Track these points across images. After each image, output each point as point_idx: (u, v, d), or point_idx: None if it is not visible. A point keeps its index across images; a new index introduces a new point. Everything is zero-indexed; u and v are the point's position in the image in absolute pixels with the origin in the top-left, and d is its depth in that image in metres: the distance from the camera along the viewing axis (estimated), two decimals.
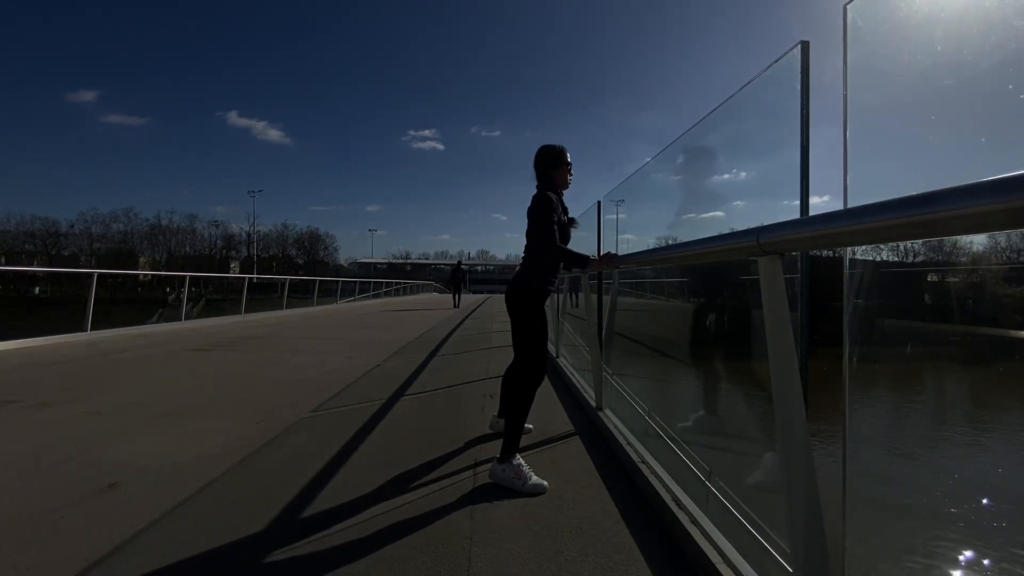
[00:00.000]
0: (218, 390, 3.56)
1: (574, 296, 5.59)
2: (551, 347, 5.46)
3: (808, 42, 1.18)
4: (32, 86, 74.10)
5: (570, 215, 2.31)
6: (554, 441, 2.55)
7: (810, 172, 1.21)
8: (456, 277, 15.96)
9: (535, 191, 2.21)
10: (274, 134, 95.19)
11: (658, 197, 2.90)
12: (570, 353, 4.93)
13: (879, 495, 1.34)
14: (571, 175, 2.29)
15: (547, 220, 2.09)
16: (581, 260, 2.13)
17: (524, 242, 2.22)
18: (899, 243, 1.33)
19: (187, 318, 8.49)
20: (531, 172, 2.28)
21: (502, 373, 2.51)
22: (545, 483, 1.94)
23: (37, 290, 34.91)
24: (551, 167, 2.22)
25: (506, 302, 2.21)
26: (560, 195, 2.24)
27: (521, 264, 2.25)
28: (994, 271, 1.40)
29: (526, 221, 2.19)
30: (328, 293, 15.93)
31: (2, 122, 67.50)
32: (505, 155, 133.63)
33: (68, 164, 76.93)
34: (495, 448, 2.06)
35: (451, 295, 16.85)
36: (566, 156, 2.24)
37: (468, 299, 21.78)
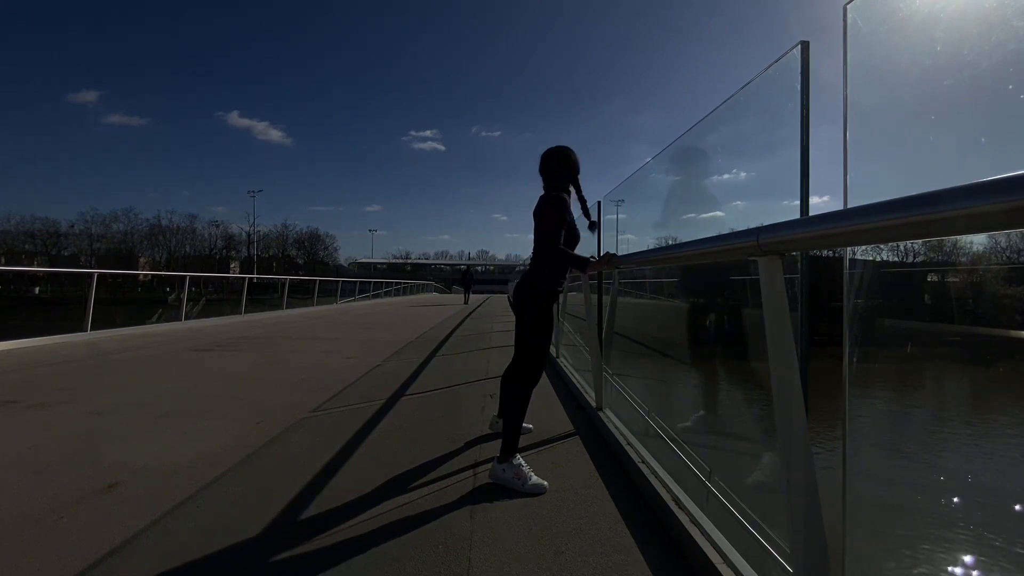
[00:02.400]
0: (218, 390, 3.56)
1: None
2: (551, 348, 5.46)
3: (808, 42, 1.19)
4: (35, 87, 74.34)
5: (591, 216, 2.31)
6: (554, 441, 2.55)
7: (810, 172, 1.21)
8: (466, 279, 21.36)
9: (541, 192, 2.21)
10: (274, 134, 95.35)
11: (658, 197, 2.90)
12: (570, 353, 4.93)
13: (879, 495, 1.34)
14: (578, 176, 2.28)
15: (550, 221, 2.09)
16: (581, 263, 2.14)
17: (524, 242, 2.24)
18: (899, 243, 1.33)
19: (187, 318, 8.49)
20: (532, 171, 2.29)
21: (502, 373, 2.51)
22: (545, 483, 1.94)
23: (37, 290, 34.93)
24: (564, 170, 2.23)
25: (514, 301, 2.21)
26: (570, 195, 2.24)
27: (530, 265, 2.25)
28: (994, 271, 1.40)
29: (526, 221, 2.20)
30: (328, 293, 15.93)
31: (4, 123, 67.49)
32: (506, 155, 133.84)
33: (69, 164, 77.03)
34: (495, 448, 2.06)
35: (459, 294, 23.02)
36: (577, 160, 2.25)
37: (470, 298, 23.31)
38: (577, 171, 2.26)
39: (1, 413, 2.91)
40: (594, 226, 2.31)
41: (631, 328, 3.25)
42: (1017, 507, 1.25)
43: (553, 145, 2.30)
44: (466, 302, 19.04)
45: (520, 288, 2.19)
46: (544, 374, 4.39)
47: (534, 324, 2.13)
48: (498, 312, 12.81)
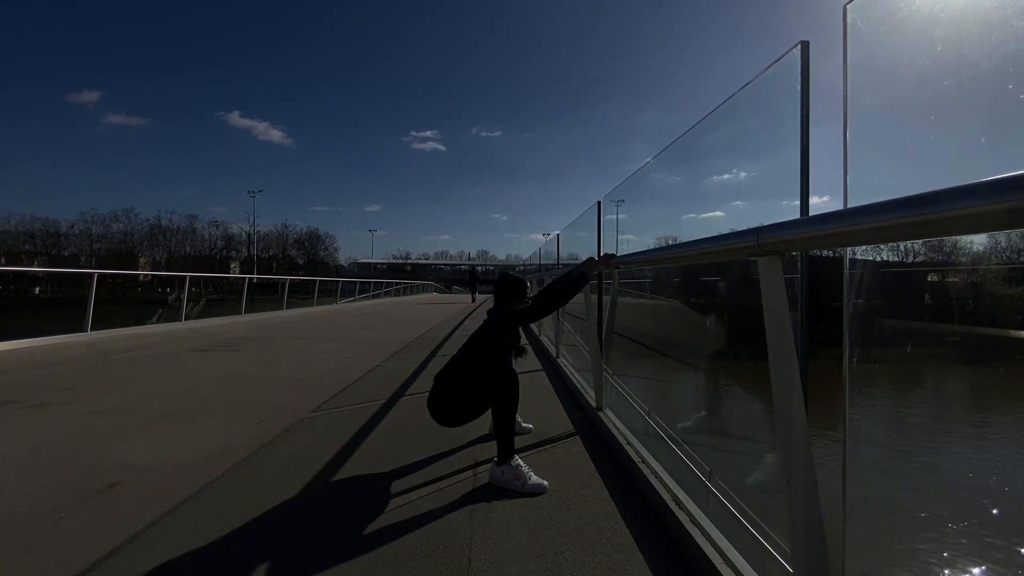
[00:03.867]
0: (218, 390, 3.56)
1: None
2: (551, 348, 5.46)
3: (808, 42, 1.18)
4: (35, 87, 74.13)
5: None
6: (554, 441, 2.55)
7: (810, 172, 1.21)
8: (472, 279, 23.90)
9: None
10: (275, 134, 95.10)
11: (658, 197, 2.90)
12: (570, 353, 4.93)
13: (879, 495, 1.34)
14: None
15: (533, 309, 2.22)
16: (579, 280, 2.23)
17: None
18: (899, 243, 1.33)
19: (187, 318, 8.49)
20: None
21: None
22: (545, 483, 1.94)
23: (37, 290, 34.90)
24: (511, 296, 2.29)
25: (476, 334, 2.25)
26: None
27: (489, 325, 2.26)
28: (994, 271, 1.40)
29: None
30: (328, 293, 15.93)
31: (4, 123, 67.45)
32: (506, 155, 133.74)
33: (69, 164, 76.87)
34: (495, 448, 2.06)
35: (458, 294, 27.78)
36: (526, 288, 2.33)
37: (467, 299, 24.13)
38: (516, 296, 2.31)
39: (1, 413, 2.91)
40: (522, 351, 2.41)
41: (631, 328, 3.25)
42: (1017, 507, 1.25)
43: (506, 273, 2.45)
44: (473, 300, 21.65)
45: (485, 328, 2.23)
46: (544, 374, 4.40)
47: (494, 377, 2.06)
48: None
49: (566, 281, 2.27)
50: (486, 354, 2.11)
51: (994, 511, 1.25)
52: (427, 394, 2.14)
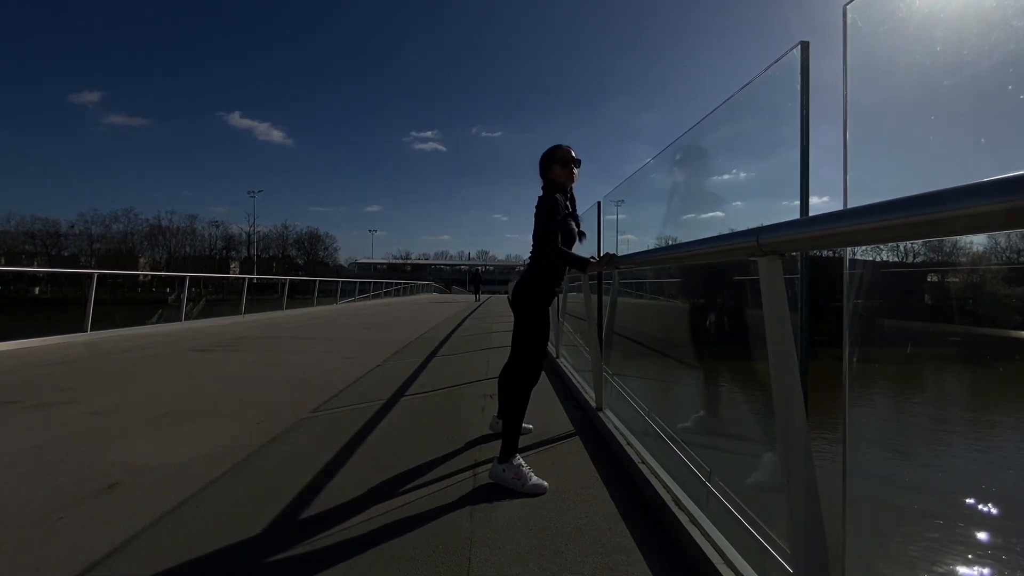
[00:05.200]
0: (218, 390, 3.56)
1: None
2: (551, 347, 5.46)
3: (808, 42, 1.18)
4: (36, 88, 74.17)
5: (578, 219, 2.30)
6: (554, 441, 2.55)
7: (810, 172, 1.21)
8: (475, 280, 27.23)
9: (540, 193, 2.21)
10: (275, 135, 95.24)
11: (658, 197, 2.90)
12: (570, 353, 4.93)
13: (879, 495, 1.34)
14: (576, 172, 2.26)
15: (543, 222, 2.10)
16: (581, 263, 2.15)
17: (524, 242, 2.25)
18: (899, 243, 1.33)
19: (187, 319, 8.49)
20: (532, 171, 2.30)
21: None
22: (545, 483, 1.94)
23: (37, 291, 34.90)
24: (551, 166, 2.22)
25: (512, 302, 2.21)
26: (567, 194, 2.24)
27: (528, 265, 2.26)
28: (994, 271, 1.40)
29: (526, 221, 2.21)
30: (328, 294, 15.94)
31: (5, 123, 67.45)
32: (506, 155, 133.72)
33: (69, 165, 76.87)
34: (495, 448, 2.07)
35: (458, 294, 34.07)
36: (566, 153, 2.23)
37: (470, 298, 25.41)
38: (561, 162, 2.21)
39: (2, 413, 2.91)
40: (581, 236, 2.29)
41: (631, 328, 3.25)
42: (1018, 507, 1.25)
43: (552, 145, 2.29)
44: (477, 299, 23.03)
45: (518, 288, 2.19)
46: (544, 374, 4.40)
47: (531, 324, 2.14)
48: (498, 312, 12.79)
49: (575, 255, 2.19)
50: (543, 250, 2.08)
51: (995, 511, 1.25)
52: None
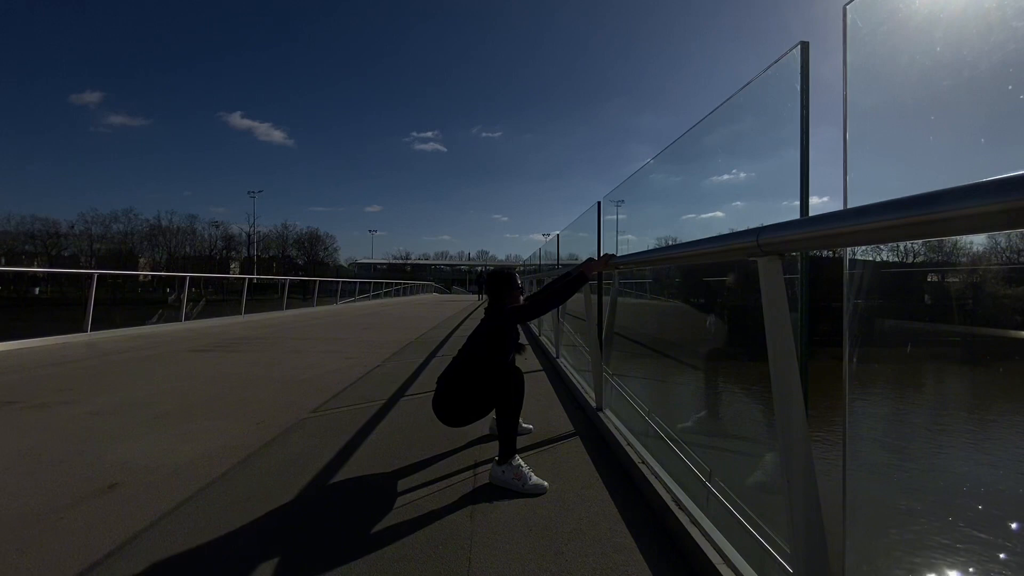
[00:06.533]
0: (218, 391, 3.56)
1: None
2: (551, 348, 5.46)
3: (808, 43, 1.19)
4: (36, 88, 73.98)
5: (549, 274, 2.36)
6: (554, 441, 2.55)
7: (810, 172, 1.21)
8: (480, 281, 27.55)
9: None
10: (276, 135, 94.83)
11: (658, 197, 2.90)
12: (570, 353, 4.93)
13: (879, 495, 1.34)
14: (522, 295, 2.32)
15: (531, 307, 2.18)
16: (578, 279, 2.20)
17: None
18: (899, 243, 1.33)
19: (187, 319, 8.49)
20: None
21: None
22: (545, 483, 1.94)
23: (37, 291, 34.92)
24: (503, 289, 2.25)
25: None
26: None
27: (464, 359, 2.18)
28: (994, 271, 1.40)
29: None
30: (328, 294, 15.94)
31: (6, 123, 67.41)
32: (507, 155, 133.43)
33: (70, 165, 76.60)
34: (495, 448, 2.06)
35: (458, 294, 32.33)
36: (516, 279, 2.29)
37: (469, 299, 25.57)
38: (509, 289, 2.27)
39: (1, 413, 2.91)
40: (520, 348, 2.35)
41: (631, 328, 3.25)
42: (1018, 508, 1.25)
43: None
44: (479, 299, 23.26)
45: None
46: (544, 374, 4.40)
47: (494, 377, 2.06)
48: None
49: (565, 281, 2.27)
50: (486, 354, 2.10)
51: (995, 512, 1.25)
52: (427, 394, 2.15)
